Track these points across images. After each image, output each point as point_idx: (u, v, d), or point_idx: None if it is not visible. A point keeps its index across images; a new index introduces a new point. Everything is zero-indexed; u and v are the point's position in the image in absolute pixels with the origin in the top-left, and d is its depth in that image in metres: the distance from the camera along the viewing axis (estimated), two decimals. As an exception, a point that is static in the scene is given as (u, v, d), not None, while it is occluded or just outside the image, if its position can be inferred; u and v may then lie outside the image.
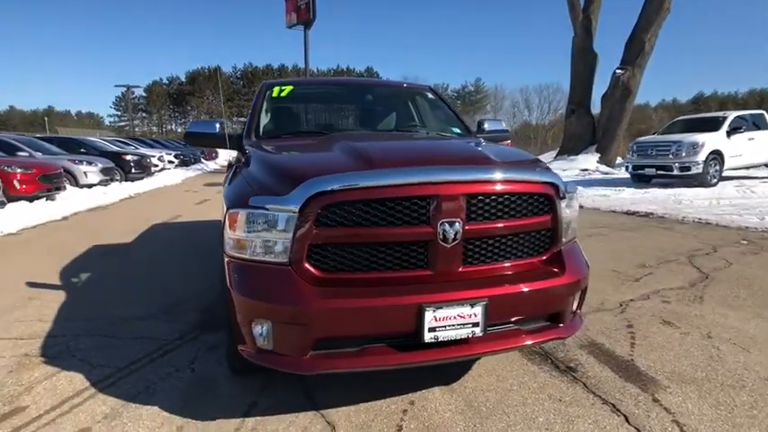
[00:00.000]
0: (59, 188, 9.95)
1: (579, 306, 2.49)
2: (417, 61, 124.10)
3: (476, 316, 2.04)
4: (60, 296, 4.07)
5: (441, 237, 2.01)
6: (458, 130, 3.58)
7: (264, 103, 3.49)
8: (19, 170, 8.82)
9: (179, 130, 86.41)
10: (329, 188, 1.94)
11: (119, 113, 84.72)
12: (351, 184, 1.95)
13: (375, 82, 4.04)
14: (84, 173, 11.86)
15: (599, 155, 18.33)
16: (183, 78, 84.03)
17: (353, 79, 4.53)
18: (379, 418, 2.25)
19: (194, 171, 22.96)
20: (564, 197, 2.30)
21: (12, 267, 5.12)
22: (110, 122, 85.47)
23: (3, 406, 2.37)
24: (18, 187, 8.68)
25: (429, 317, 1.98)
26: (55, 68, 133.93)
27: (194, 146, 3.25)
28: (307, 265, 2.00)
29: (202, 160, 27.79)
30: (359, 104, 3.83)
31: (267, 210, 2.00)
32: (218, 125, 3.25)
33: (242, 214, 2.06)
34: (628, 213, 8.80)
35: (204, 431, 2.17)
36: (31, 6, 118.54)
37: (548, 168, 2.41)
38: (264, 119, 3.38)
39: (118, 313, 3.62)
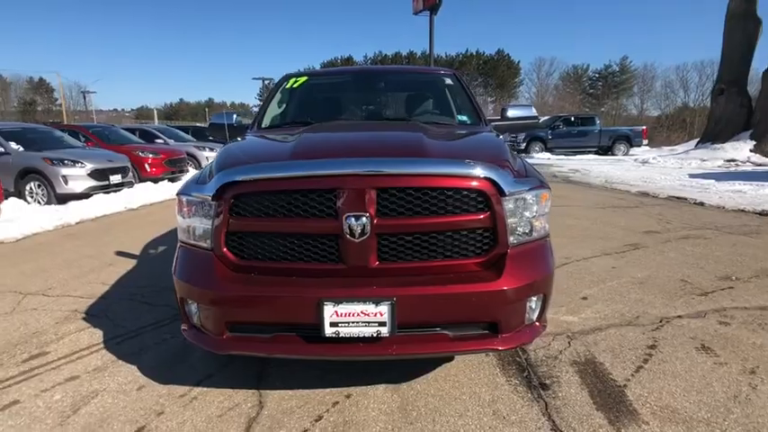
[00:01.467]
0: (183, 171, 11.53)
1: (539, 317, 2.21)
2: (553, 41, 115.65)
3: (381, 315, 1.95)
4: (132, 264, 4.78)
5: (347, 231, 1.95)
6: (465, 119, 3.36)
7: (278, 95, 3.65)
8: (150, 155, 10.43)
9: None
10: (237, 178, 2.01)
11: (260, 102, 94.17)
12: (256, 175, 1.99)
13: (393, 69, 3.91)
14: (206, 157, 13.55)
15: (754, 143, 15.37)
16: (318, 68, 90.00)
17: (371, 67, 4.42)
18: (308, 406, 2.28)
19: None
20: (507, 195, 2.04)
21: (115, 238, 6.12)
22: (255, 111, 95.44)
23: (34, 349, 2.92)
24: (148, 170, 10.27)
25: (329, 311, 1.95)
26: (214, 65, 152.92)
27: (215, 136, 3.55)
28: (225, 251, 2.10)
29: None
30: (370, 93, 3.78)
31: (192, 197, 2.14)
32: (235, 116, 3.50)
33: (180, 200, 2.23)
34: (761, 214, 7.32)
35: (157, 392, 2.42)
36: (196, 15, 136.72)
37: (502, 163, 2.14)
38: (273, 110, 3.55)
39: (164, 284, 4.13)
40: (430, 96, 3.67)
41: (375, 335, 1.98)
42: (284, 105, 3.62)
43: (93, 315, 3.45)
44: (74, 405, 2.31)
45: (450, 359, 2.73)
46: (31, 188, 8.32)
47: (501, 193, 2.02)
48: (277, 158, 2.13)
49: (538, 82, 74.76)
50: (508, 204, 2.06)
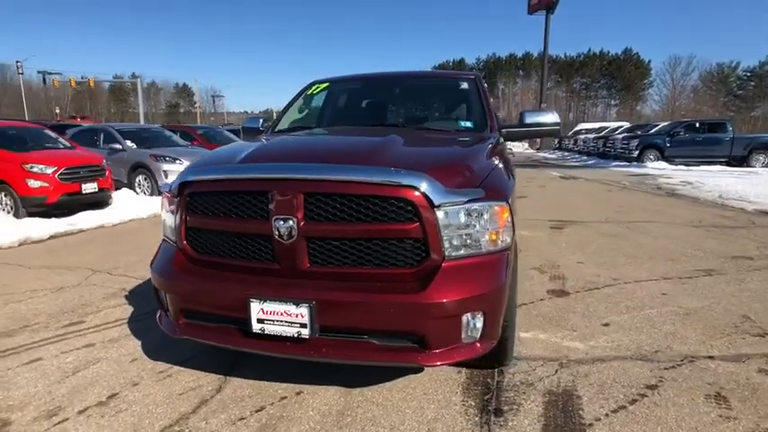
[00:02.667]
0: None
1: (482, 336, 2.09)
2: (691, 36, 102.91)
3: (302, 316, 2.00)
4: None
5: (276, 233, 2.04)
6: (469, 125, 3.23)
7: (300, 100, 3.84)
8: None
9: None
10: (190, 178, 2.20)
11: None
12: (204, 176, 2.17)
13: (410, 74, 3.83)
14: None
15: None
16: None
17: (388, 73, 4.26)
18: (257, 397, 2.41)
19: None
20: (437, 206, 1.95)
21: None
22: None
23: (75, 318, 3.45)
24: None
25: (256, 308, 2.05)
26: (331, 67, 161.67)
27: (248, 139, 3.84)
28: (185, 245, 2.31)
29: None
30: (383, 99, 3.79)
31: (165, 194, 2.39)
32: (261, 120, 3.78)
33: (163, 196, 2.50)
34: None
35: (143, 366, 2.73)
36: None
37: (440, 173, 2.04)
38: (291, 114, 3.73)
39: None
40: (440, 102, 3.60)
41: (296, 335, 2.03)
42: (301, 110, 3.80)
43: (135, 294, 3.95)
44: (76, 368, 2.71)
45: (418, 370, 2.67)
46: (139, 180, 9.69)
47: (432, 203, 1.95)
48: (232, 161, 2.28)
49: (671, 83, 67.06)
50: (441, 215, 1.97)
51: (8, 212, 7.05)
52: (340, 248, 2.05)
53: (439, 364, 2.02)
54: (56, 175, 7.19)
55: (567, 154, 29.34)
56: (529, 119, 3.30)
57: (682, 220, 7.38)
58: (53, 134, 8.82)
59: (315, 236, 2.04)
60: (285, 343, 2.08)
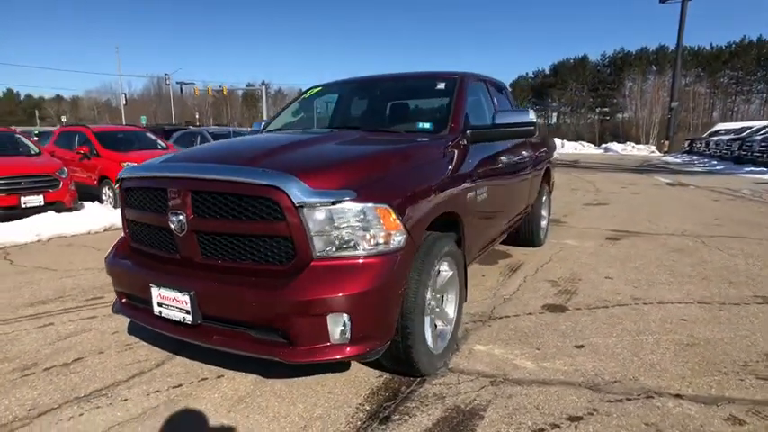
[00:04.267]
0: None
1: (353, 339, 2.07)
2: None
3: (186, 303, 2.18)
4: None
5: (172, 226, 2.24)
6: (427, 126, 3.12)
7: (295, 104, 4.03)
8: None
9: (539, 122, 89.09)
10: (123, 175, 2.50)
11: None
12: (128, 174, 2.45)
13: (393, 77, 3.71)
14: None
15: None
16: (547, 71, 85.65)
17: (373, 77, 4.05)
18: (184, 375, 2.64)
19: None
20: (299, 206, 1.98)
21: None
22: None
23: (98, 293, 4.04)
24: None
25: (156, 293, 2.28)
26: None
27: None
28: (126, 233, 2.63)
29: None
30: (363, 103, 3.79)
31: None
32: (262, 124, 4.07)
33: None
34: None
35: (117, 339, 3.13)
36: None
37: (309, 173, 2.06)
38: (285, 117, 3.93)
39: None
40: (416, 103, 3.52)
41: (182, 320, 2.22)
42: (295, 113, 3.98)
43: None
44: (69, 334, 3.21)
45: (346, 365, 2.69)
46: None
47: (293, 203, 1.99)
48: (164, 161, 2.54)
49: None
50: (305, 215, 2.00)
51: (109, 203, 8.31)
52: (222, 243, 2.19)
53: (303, 361, 2.06)
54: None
55: (695, 158, 25.82)
56: (500, 119, 3.11)
57: (781, 237, 6.17)
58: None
59: (201, 230, 2.20)
60: (178, 326, 2.28)
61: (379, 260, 2.10)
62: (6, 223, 6.14)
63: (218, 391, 2.49)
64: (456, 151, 2.93)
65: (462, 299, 2.92)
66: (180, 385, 2.54)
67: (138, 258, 2.52)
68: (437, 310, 2.71)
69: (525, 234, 5.46)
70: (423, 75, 3.71)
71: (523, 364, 2.76)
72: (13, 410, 2.32)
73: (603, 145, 44.62)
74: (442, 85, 3.40)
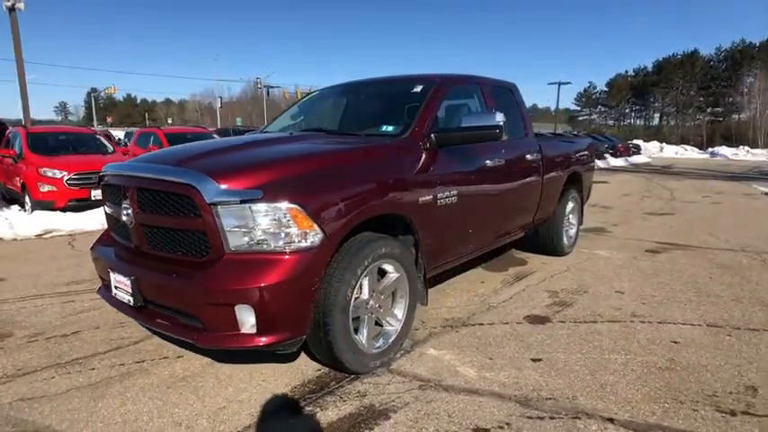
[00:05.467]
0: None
1: (260, 330, 2.21)
2: None
3: (129, 287, 2.46)
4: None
5: (125, 219, 2.53)
6: (390, 129, 3.14)
7: (295, 107, 4.25)
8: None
9: (638, 123, 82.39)
10: (101, 172, 2.85)
11: (578, 108, 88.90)
12: (104, 171, 2.79)
13: (374, 81, 3.71)
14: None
15: None
16: (650, 68, 78.69)
17: (356, 81, 3.96)
18: (151, 352, 2.94)
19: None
20: (210, 203, 2.16)
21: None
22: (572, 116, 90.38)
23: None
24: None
25: (113, 277, 2.59)
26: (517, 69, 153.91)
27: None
28: (107, 224, 3.00)
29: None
30: (344, 106, 3.89)
31: None
32: (263, 127, 4.35)
33: None
34: None
35: (114, 318, 3.53)
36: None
37: (223, 173, 2.23)
38: (284, 120, 4.13)
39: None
40: (391, 107, 3.53)
41: (129, 302, 2.50)
42: (293, 116, 4.16)
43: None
44: (83, 310, 3.68)
45: (291, 356, 2.83)
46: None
47: (204, 201, 2.17)
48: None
49: None
50: (217, 212, 2.17)
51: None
52: (159, 235, 2.43)
53: (215, 346, 2.25)
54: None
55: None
56: (466, 122, 3.06)
57: None
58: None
59: (144, 223, 2.47)
60: (129, 308, 2.56)
61: (288, 257, 2.21)
62: (78, 213, 7.09)
63: (170, 369, 2.75)
64: (414, 154, 2.94)
65: (414, 302, 2.93)
66: (143, 361, 2.84)
67: (110, 247, 2.87)
68: (380, 310, 2.75)
69: (546, 242, 5.22)
70: (402, 78, 3.73)
71: (466, 371, 2.71)
72: (6, 369, 2.76)
73: (710, 149, 40.36)
74: (417, 89, 3.39)
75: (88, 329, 3.32)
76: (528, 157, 4.22)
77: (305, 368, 2.74)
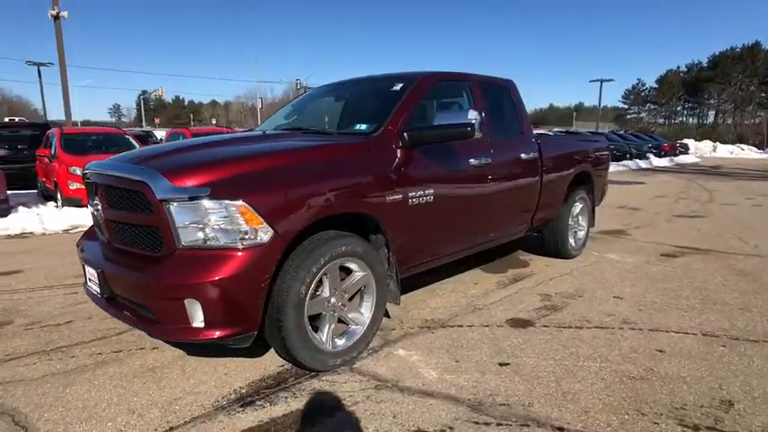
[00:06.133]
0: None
1: (207, 324, 2.26)
2: None
3: (97, 279, 2.57)
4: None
5: (96, 215, 2.66)
6: (363, 128, 3.12)
7: (288, 106, 4.30)
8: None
9: (690, 121, 78.17)
10: (85, 170, 3.00)
11: (626, 106, 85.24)
12: (86, 169, 2.93)
13: (362, 79, 3.68)
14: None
15: None
16: (705, 63, 74.43)
17: (346, 80, 3.89)
18: (132, 343, 3.06)
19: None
20: (160, 200, 2.23)
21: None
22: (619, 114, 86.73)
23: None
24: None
25: (87, 269, 2.72)
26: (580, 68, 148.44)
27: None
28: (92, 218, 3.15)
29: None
30: (328, 104, 3.89)
31: None
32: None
33: None
34: None
35: (112, 309, 3.71)
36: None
37: (172, 171, 2.30)
38: (277, 119, 4.18)
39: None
40: (371, 105, 3.51)
41: (98, 294, 2.61)
42: (286, 115, 4.20)
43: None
44: (81, 302, 3.87)
45: (258, 351, 2.88)
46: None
47: (155, 197, 2.24)
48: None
49: None
50: (167, 209, 2.24)
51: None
52: (122, 230, 2.54)
53: (168, 338, 2.34)
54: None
55: None
56: (439, 120, 3.01)
57: None
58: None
59: (110, 218, 2.58)
60: (101, 300, 2.68)
61: (236, 253, 2.25)
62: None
63: (143, 360, 2.86)
64: (384, 153, 2.92)
65: (382, 301, 2.91)
66: (120, 351, 2.97)
67: (93, 242, 3.01)
68: (344, 308, 2.75)
69: (551, 244, 5.06)
70: (387, 77, 3.70)
71: (428, 373, 2.67)
72: (-4, 354, 2.96)
73: (771, 148, 37.79)
74: (397, 87, 3.36)
75: (81, 320, 3.50)
76: (522, 156, 4.10)
77: (269, 364, 2.78)
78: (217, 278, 2.20)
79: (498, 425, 2.18)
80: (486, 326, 3.34)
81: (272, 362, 2.81)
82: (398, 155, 2.97)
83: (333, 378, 2.62)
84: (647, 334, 3.18)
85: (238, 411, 2.31)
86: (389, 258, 2.98)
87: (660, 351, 2.92)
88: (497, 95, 4.08)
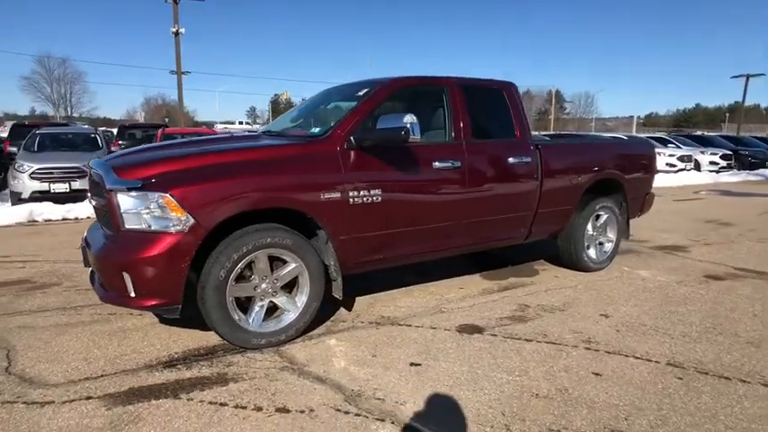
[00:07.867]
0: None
1: (139, 293, 2.69)
2: None
3: (81, 253, 3.19)
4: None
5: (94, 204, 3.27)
6: (317, 131, 3.33)
7: (294, 110, 4.66)
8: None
9: None
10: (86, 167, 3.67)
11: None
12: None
13: (345, 85, 3.75)
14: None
15: None
16: None
17: (342, 84, 3.73)
18: (121, 309, 3.70)
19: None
20: (107, 190, 2.71)
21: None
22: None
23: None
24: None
25: (88, 252, 3.36)
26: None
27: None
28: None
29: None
30: (317, 108, 4.06)
31: None
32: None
33: None
34: None
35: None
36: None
37: (121, 166, 2.78)
38: (283, 121, 4.56)
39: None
40: (334, 110, 3.69)
41: (84, 265, 3.23)
42: (292, 118, 4.52)
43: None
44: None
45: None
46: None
47: (105, 185, 2.75)
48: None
49: None
50: (113, 198, 2.72)
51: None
52: (100, 215, 3.10)
53: (112, 304, 2.83)
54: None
55: None
56: (381, 124, 3.12)
57: None
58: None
59: (94, 205, 3.16)
60: (90, 273, 3.29)
61: (161, 237, 2.65)
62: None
63: (125, 322, 3.43)
64: (326, 154, 3.11)
65: (317, 292, 3.12)
66: (114, 314, 3.58)
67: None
68: (274, 294, 3.03)
69: (564, 255, 4.78)
70: (358, 83, 3.81)
71: (337, 363, 2.82)
72: (32, 306, 3.76)
73: None
74: (361, 93, 3.51)
75: (85, 284, 4.22)
76: (511, 160, 3.97)
77: (212, 336, 3.16)
78: (142, 256, 2.63)
79: (356, 415, 2.28)
80: (434, 328, 3.36)
81: (215, 336, 3.18)
82: (343, 157, 3.14)
83: (252, 356, 2.91)
84: (599, 356, 2.95)
85: (158, 371, 2.71)
86: (333, 254, 3.17)
87: (597, 374, 2.71)
88: (486, 99, 4.00)
